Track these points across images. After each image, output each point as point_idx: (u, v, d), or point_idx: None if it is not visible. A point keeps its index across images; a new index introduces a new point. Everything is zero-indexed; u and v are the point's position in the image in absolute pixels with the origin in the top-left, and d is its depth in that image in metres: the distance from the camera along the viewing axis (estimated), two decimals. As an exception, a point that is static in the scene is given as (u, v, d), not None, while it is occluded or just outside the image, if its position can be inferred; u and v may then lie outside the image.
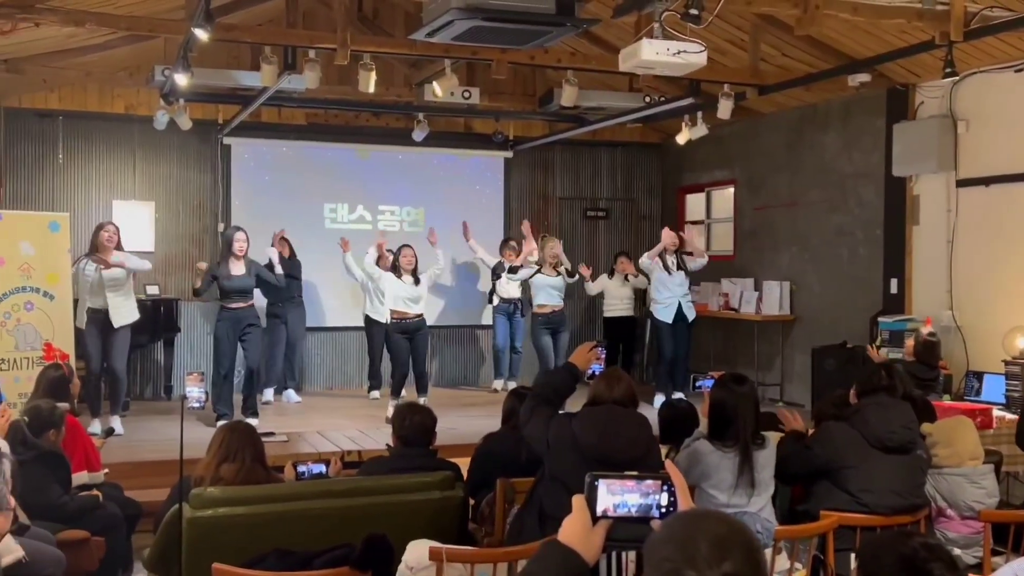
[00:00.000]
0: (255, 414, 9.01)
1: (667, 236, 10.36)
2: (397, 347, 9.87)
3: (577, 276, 10.95)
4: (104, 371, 8.72)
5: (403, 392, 9.78)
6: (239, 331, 9.12)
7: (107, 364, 8.68)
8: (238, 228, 9.33)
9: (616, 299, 11.53)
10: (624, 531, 2.13)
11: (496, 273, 11.15)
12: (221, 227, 11.43)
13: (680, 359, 10.48)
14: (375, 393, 10.92)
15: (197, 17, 6.76)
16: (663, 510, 2.11)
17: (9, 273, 8.51)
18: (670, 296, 10.32)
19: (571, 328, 11.30)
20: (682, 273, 10.38)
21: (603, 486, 2.11)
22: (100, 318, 8.56)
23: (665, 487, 2.12)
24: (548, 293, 10.61)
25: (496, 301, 11.26)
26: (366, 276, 10.49)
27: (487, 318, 11.87)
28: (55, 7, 7.63)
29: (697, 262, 10.55)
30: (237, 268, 9.09)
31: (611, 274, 11.65)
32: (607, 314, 11.65)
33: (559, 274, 10.64)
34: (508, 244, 11.25)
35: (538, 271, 10.60)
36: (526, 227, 10.83)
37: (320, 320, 11.72)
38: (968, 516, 4.98)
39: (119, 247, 8.70)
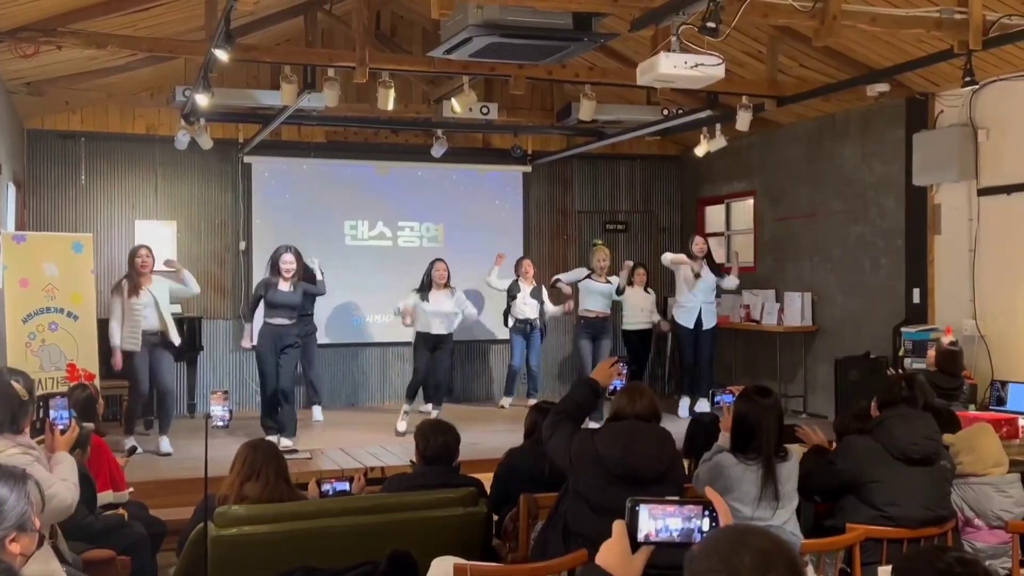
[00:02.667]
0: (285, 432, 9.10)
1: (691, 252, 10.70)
2: (420, 357, 9.97)
3: (624, 292, 10.93)
4: (153, 392, 8.96)
5: (412, 404, 9.90)
6: (279, 348, 9.11)
7: (157, 385, 8.87)
8: (287, 248, 9.31)
9: (635, 310, 11.47)
10: (665, 558, 2.13)
11: (511, 294, 11.11)
12: (243, 245, 11.51)
13: (703, 365, 10.65)
14: (427, 406, 10.95)
15: (217, 38, 6.81)
16: (705, 535, 2.10)
17: (33, 294, 8.58)
18: (693, 301, 10.52)
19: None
20: (709, 282, 10.57)
21: (644, 511, 2.10)
22: (155, 340, 8.77)
23: (707, 512, 2.12)
24: (596, 299, 10.68)
25: (511, 322, 11.18)
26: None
27: (502, 333, 11.79)
28: (77, 30, 7.72)
29: (730, 281, 10.80)
30: (284, 286, 9.17)
31: (629, 283, 11.57)
32: (625, 326, 11.54)
33: (608, 282, 10.70)
34: (524, 262, 11.22)
35: (588, 276, 10.76)
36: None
37: (340, 337, 11.76)
38: (996, 526, 4.94)
39: (153, 270, 8.89)
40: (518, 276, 11.14)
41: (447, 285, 9.97)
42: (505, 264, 11.27)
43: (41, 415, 4.60)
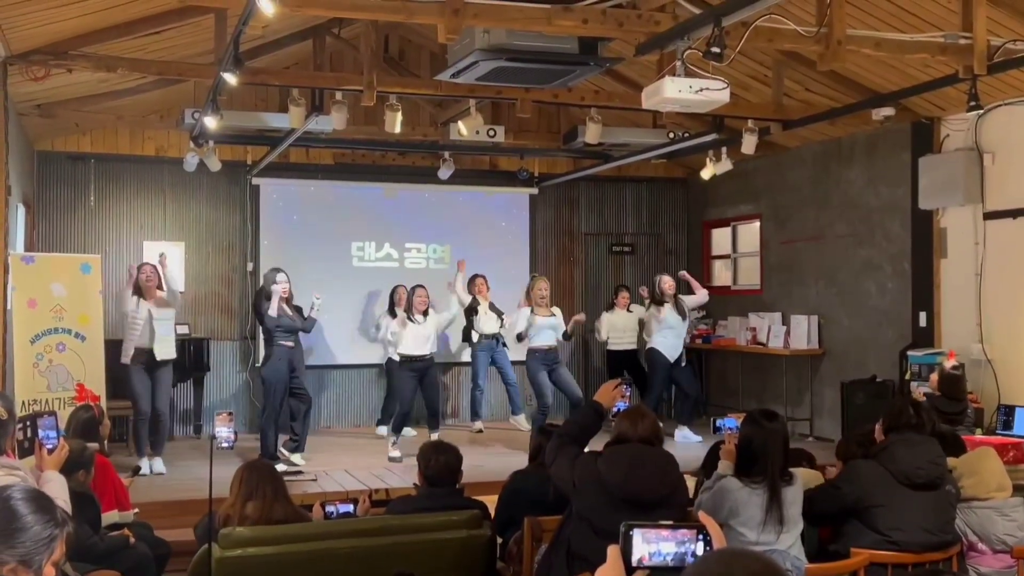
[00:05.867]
0: (300, 449, 9.22)
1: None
2: (403, 384, 9.87)
3: (572, 337, 10.86)
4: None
5: (404, 431, 9.86)
6: (289, 369, 9.19)
7: (152, 403, 8.86)
8: (278, 270, 9.37)
9: (620, 331, 11.41)
10: None
11: (474, 309, 10.87)
12: (250, 267, 11.55)
13: (694, 396, 10.82)
14: (382, 429, 10.90)
15: (226, 61, 6.87)
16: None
17: (41, 315, 8.62)
18: (670, 337, 10.59)
19: (570, 361, 11.36)
20: (679, 318, 10.65)
21: (638, 535, 2.11)
22: (145, 358, 8.79)
23: (701, 536, 2.13)
24: (544, 333, 10.18)
25: (476, 338, 10.99)
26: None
27: (464, 355, 11.64)
28: (87, 53, 7.79)
29: (696, 299, 10.83)
30: (287, 307, 9.25)
31: (610, 308, 11.53)
32: (611, 347, 11.50)
33: (553, 314, 10.26)
34: (476, 280, 10.94)
35: (530, 312, 10.24)
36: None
37: (348, 358, 11.76)
38: (1000, 550, 4.92)
39: (160, 287, 8.95)
40: (473, 294, 10.88)
41: (426, 313, 9.85)
42: (517, 281, 11.23)
43: (29, 434, 4.60)
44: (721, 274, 13.16)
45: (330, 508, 5.26)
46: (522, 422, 10.95)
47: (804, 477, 4.95)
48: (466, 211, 12.49)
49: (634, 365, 11.52)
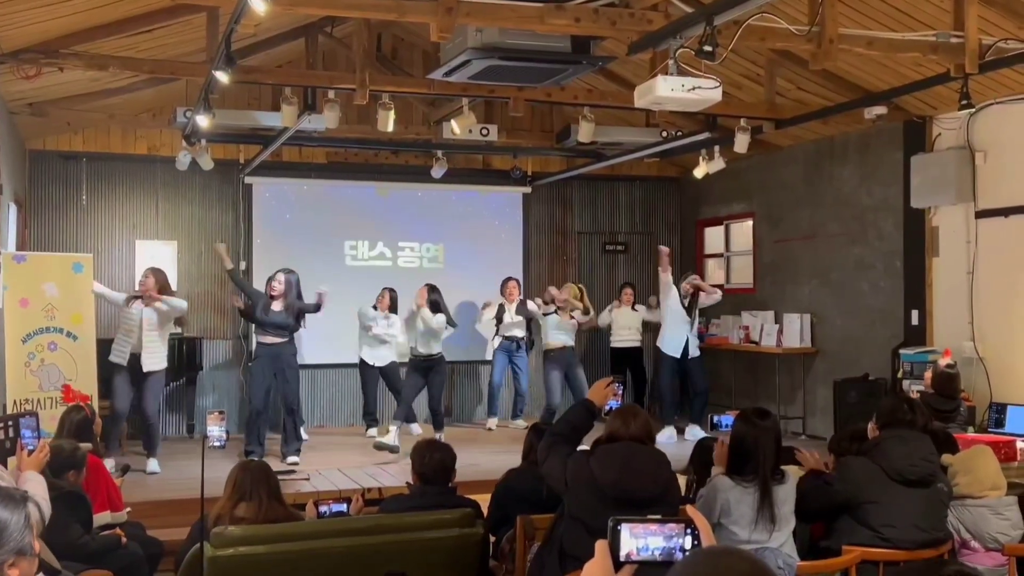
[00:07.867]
0: (297, 451, 9.20)
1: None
2: (408, 381, 10.02)
3: (592, 314, 11.15)
4: (136, 414, 8.89)
5: (402, 423, 9.85)
6: (274, 368, 9.20)
7: (140, 407, 8.83)
8: (282, 270, 9.49)
9: (623, 329, 11.54)
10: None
11: (499, 319, 11.24)
12: (243, 265, 11.53)
13: (699, 393, 10.73)
14: (372, 431, 10.90)
15: (218, 60, 6.86)
16: (686, 553, 2.11)
17: (33, 314, 8.59)
18: (679, 331, 10.59)
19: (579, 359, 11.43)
20: (693, 312, 10.73)
21: (626, 530, 2.11)
22: (134, 361, 8.77)
23: (689, 530, 2.12)
24: (556, 334, 10.86)
25: (498, 342, 11.33)
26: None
27: (490, 354, 11.81)
28: (79, 52, 7.77)
29: (712, 298, 10.82)
30: (276, 305, 9.30)
31: (615, 305, 11.69)
32: (614, 344, 11.68)
33: (572, 318, 10.89)
34: (508, 284, 11.33)
35: (554, 311, 10.89)
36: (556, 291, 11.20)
37: (341, 357, 11.74)
38: (992, 548, 4.94)
39: (163, 291, 8.95)
40: (504, 297, 11.26)
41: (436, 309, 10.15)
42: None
43: (11, 434, 4.59)
44: (714, 273, 13.16)
45: (323, 507, 5.25)
46: (519, 424, 11.18)
47: (796, 475, 4.96)
48: (459, 210, 12.49)
49: (637, 363, 11.61)
